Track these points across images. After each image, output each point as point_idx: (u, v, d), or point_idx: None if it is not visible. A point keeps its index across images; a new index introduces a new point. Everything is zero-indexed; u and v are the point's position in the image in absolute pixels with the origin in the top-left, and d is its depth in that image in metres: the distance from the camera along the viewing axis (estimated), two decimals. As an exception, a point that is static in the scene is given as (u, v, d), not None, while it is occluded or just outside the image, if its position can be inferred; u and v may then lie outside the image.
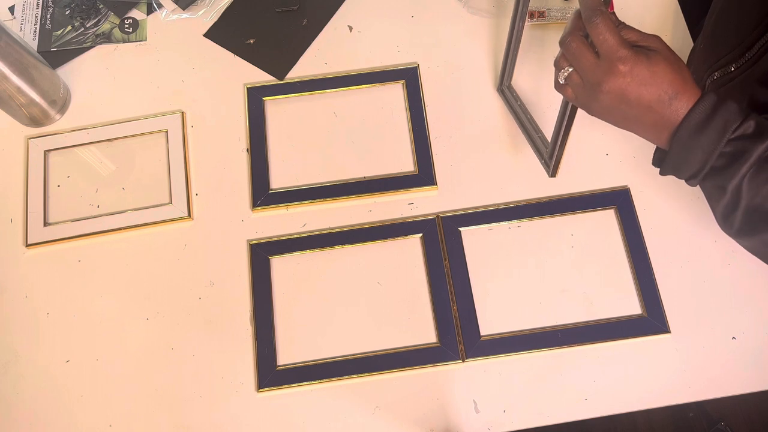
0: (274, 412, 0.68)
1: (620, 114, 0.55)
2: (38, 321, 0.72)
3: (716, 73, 0.66)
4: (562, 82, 0.57)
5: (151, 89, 0.82)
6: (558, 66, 0.57)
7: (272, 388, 0.68)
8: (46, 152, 0.79)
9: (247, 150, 0.78)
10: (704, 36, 0.72)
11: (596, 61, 0.53)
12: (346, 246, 0.73)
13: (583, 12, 0.53)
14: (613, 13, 0.54)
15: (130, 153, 0.79)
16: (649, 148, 0.58)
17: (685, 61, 0.76)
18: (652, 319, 0.69)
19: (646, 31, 0.54)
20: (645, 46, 0.53)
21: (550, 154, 0.69)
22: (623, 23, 0.54)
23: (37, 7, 0.86)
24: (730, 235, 0.58)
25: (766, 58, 0.59)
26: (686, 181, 0.56)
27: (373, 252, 0.73)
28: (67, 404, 0.69)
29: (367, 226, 0.74)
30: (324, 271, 0.73)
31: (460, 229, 0.73)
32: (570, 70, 0.56)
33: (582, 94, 0.56)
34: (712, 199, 0.58)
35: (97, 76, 0.83)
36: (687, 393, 0.67)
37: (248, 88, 0.81)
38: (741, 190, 0.52)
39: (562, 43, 0.55)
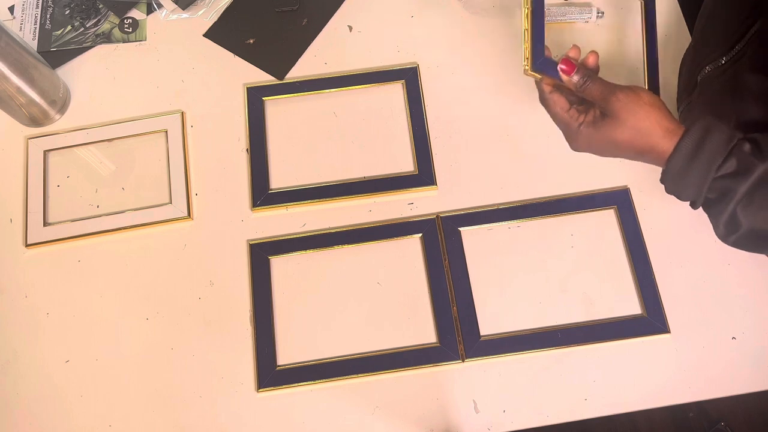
0: (274, 412, 0.68)
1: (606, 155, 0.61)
2: (38, 321, 0.72)
3: (708, 67, 0.67)
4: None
5: (151, 89, 0.82)
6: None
7: (272, 388, 0.68)
8: (45, 152, 0.79)
9: (247, 150, 0.78)
10: (695, 34, 0.74)
11: (564, 126, 0.61)
12: (346, 246, 0.73)
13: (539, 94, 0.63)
14: (577, 70, 0.59)
15: (130, 153, 0.79)
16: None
17: (680, 62, 0.77)
18: (651, 319, 0.69)
19: (617, 82, 0.58)
20: (603, 109, 0.58)
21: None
22: (589, 77, 0.59)
23: (37, 7, 0.86)
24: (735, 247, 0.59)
25: (755, 47, 0.61)
26: (690, 205, 0.59)
27: (372, 252, 0.73)
28: (66, 404, 0.69)
29: (366, 226, 0.74)
30: (324, 271, 0.73)
31: (459, 229, 0.73)
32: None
33: (576, 142, 0.62)
34: (712, 219, 0.59)
35: (97, 76, 0.83)
36: (687, 393, 0.67)
37: (248, 88, 0.81)
38: (737, 218, 0.54)
39: (541, 101, 0.64)
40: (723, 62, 0.65)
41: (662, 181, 0.57)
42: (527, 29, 0.62)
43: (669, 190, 0.58)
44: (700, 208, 0.58)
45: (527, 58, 0.62)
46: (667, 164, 0.55)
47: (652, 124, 0.55)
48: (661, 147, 0.55)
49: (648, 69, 0.76)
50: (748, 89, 0.60)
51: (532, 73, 0.62)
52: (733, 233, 0.56)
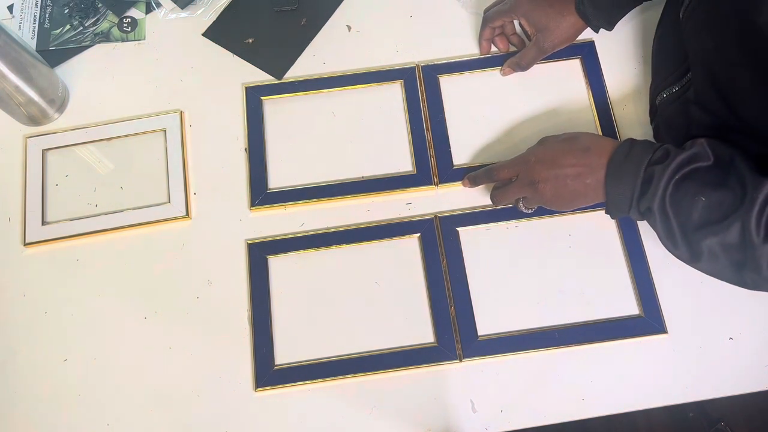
0: (272, 412, 0.68)
1: (565, 187, 0.65)
2: (36, 320, 0.72)
3: (664, 93, 0.70)
4: (524, 210, 0.71)
5: (150, 88, 0.82)
6: (516, 206, 0.71)
7: (270, 387, 0.68)
8: (44, 151, 0.79)
9: (246, 149, 0.78)
10: (652, 61, 0.77)
11: (518, 184, 0.68)
12: (344, 246, 0.73)
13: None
14: (467, 179, 0.73)
15: (129, 152, 0.79)
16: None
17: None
18: (649, 320, 0.69)
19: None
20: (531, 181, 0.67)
21: None
22: (488, 175, 0.71)
23: (36, 6, 0.86)
24: (697, 266, 0.61)
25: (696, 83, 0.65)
26: (630, 214, 0.62)
27: (370, 252, 0.73)
28: (64, 403, 0.69)
29: (364, 225, 0.74)
30: (322, 271, 0.73)
31: (457, 228, 0.73)
32: (519, 201, 0.70)
33: (534, 198, 0.67)
34: (652, 225, 0.62)
35: (96, 75, 0.83)
36: (684, 393, 0.67)
37: (247, 88, 0.81)
38: (668, 213, 0.58)
39: (495, 201, 0.72)
40: (675, 90, 0.69)
41: (607, 167, 0.62)
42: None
43: (609, 194, 0.62)
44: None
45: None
46: (613, 153, 0.62)
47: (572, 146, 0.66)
48: (603, 143, 0.64)
49: (596, 107, 0.78)
50: (694, 118, 0.64)
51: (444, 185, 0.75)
52: (674, 237, 0.59)
